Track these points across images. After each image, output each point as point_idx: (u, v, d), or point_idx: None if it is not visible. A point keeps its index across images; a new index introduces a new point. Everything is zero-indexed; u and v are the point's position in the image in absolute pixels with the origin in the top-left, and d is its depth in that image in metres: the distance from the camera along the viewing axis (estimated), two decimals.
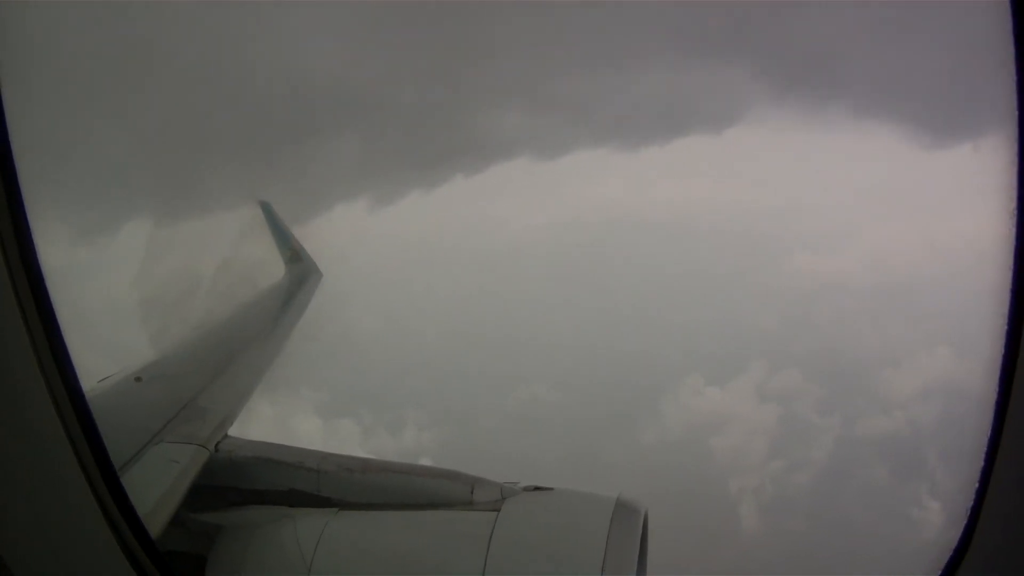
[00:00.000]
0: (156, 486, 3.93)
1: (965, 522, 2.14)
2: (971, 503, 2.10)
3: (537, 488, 4.21)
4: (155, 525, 3.48)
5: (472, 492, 4.19)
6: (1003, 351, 1.86)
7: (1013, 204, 1.81)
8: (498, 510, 4.05)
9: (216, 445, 4.64)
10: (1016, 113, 1.78)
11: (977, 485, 2.06)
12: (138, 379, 5.47)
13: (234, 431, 5.04)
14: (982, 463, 2.01)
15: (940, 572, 2.26)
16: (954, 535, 2.22)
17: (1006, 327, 1.84)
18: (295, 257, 10.23)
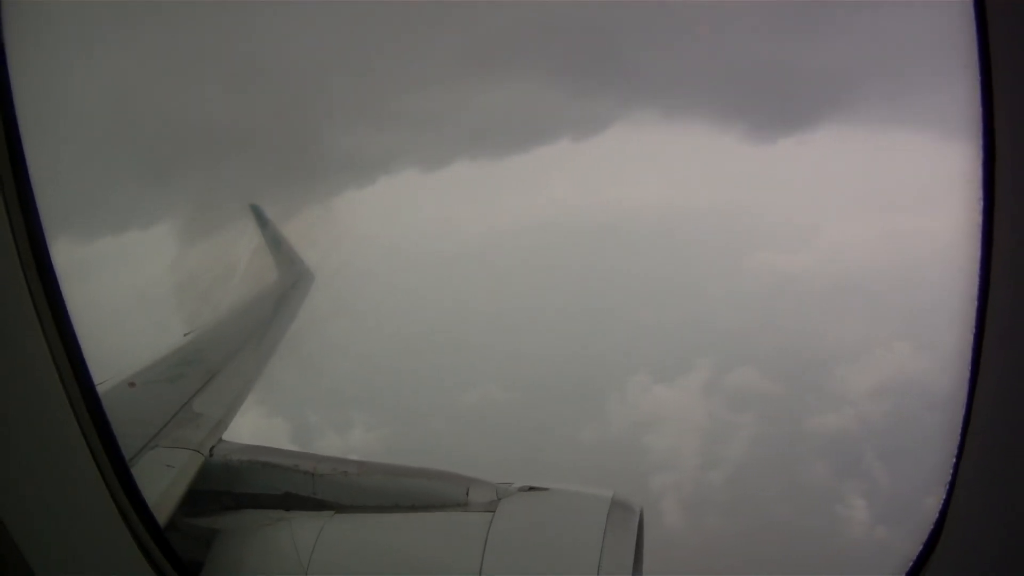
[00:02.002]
0: (151, 491, 3.93)
1: (934, 521, 2.15)
2: (940, 503, 2.11)
3: (532, 488, 4.23)
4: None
5: (467, 493, 4.20)
6: (971, 353, 1.89)
7: (980, 203, 1.83)
8: (493, 511, 4.07)
9: (211, 449, 4.64)
10: (980, 112, 1.80)
11: (947, 485, 2.07)
12: (132, 384, 5.46)
13: (228, 435, 5.04)
14: (952, 462, 2.02)
15: (907, 572, 2.28)
16: (918, 535, 2.22)
17: (973, 329, 1.86)
18: (286, 260, 10.19)
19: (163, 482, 4.11)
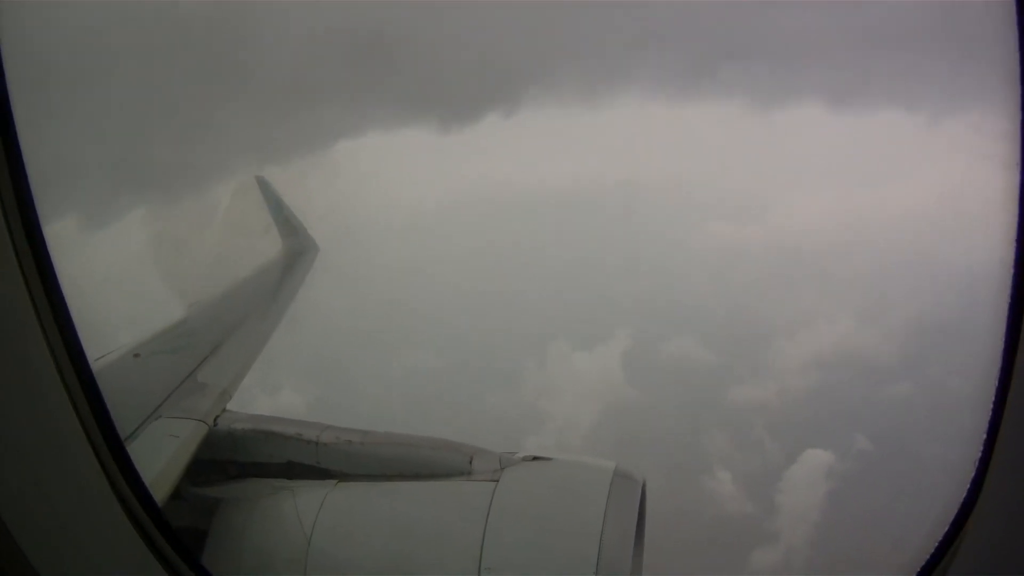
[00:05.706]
0: (156, 461, 3.95)
1: (952, 519, 2.10)
2: (961, 501, 2.05)
3: (536, 458, 4.25)
4: (156, 500, 3.54)
5: (471, 462, 4.22)
6: (1003, 346, 1.82)
7: (1016, 194, 1.79)
8: (497, 480, 4.08)
9: (215, 419, 4.67)
10: (1020, 112, 1.75)
11: (970, 483, 2.01)
12: (136, 355, 5.48)
13: (232, 405, 5.06)
14: (977, 460, 1.96)
15: (918, 572, 2.23)
16: (933, 533, 2.18)
17: (1005, 323, 1.78)
18: (291, 231, 10.20)
19: (168, 452, 4.13)
